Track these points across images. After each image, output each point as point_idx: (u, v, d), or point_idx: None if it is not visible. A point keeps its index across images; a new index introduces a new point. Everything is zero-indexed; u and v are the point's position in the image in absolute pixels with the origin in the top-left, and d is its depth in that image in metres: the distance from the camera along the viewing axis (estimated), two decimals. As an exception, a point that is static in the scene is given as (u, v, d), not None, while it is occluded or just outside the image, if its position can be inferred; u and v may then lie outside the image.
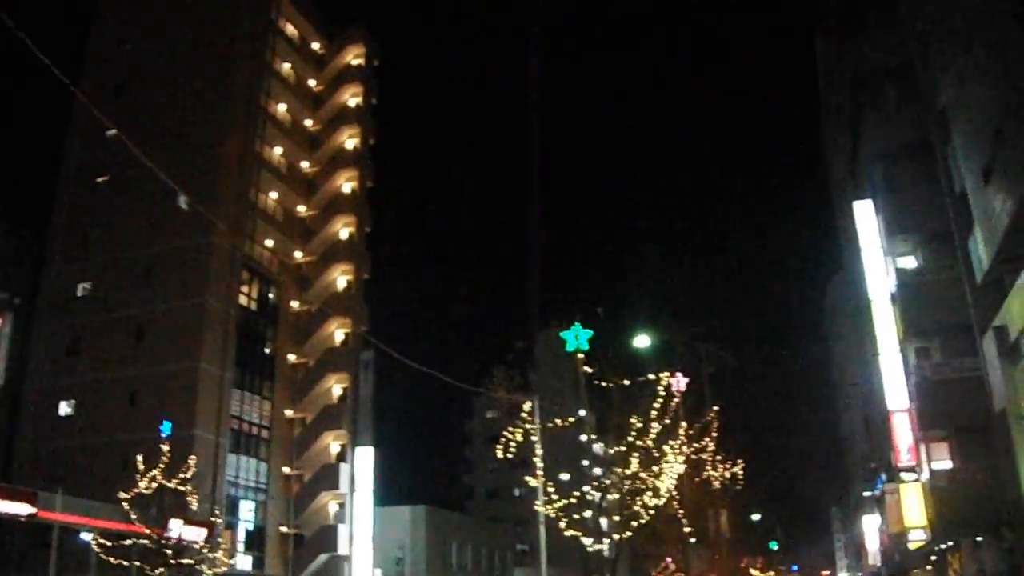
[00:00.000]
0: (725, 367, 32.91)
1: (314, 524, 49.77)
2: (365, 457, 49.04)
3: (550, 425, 23.87)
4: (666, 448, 22.80)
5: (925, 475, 28.34)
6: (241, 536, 46.73)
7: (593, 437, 22.90)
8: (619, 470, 22.67)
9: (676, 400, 28.40)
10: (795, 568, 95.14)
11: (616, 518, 23.78)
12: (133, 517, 31.27)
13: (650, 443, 21.84)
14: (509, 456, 22.29)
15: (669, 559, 50.72)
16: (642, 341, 32.20)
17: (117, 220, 49.58)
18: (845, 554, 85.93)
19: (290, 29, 58.48)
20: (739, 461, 32.40)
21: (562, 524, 22.86)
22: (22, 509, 30.44)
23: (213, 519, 37.69)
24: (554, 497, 22.97)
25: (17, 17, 12.21)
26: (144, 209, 47.44)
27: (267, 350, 51.07)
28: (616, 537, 22.89)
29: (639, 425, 21.92)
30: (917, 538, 28.62)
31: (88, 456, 43.11)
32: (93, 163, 50.89)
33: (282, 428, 50.58)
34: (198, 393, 44.25)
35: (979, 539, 27.09)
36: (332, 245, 56.12)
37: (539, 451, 22.37)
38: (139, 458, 33.66)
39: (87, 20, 57.76)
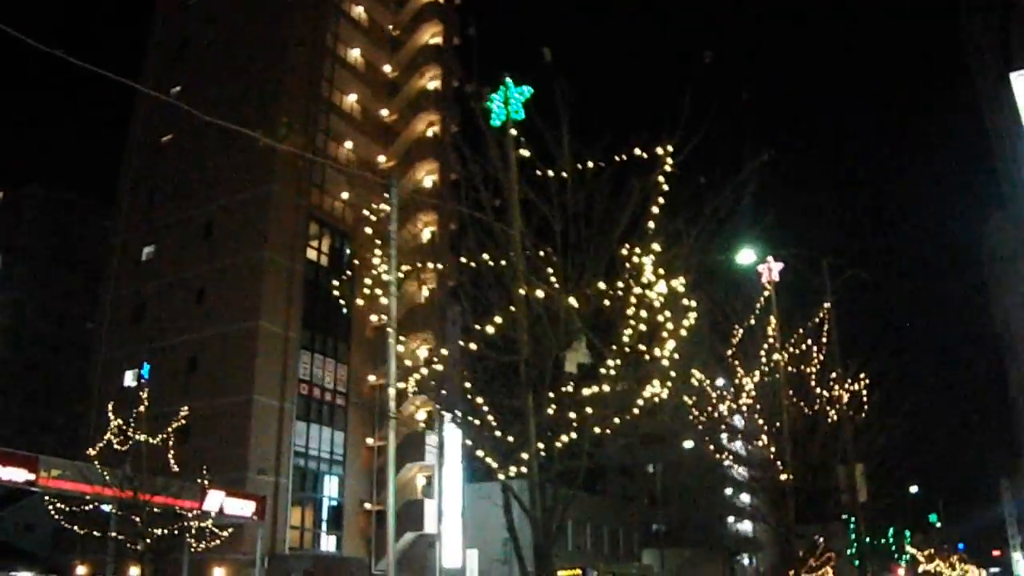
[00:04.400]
0: (859, 289, 25.54)
1: (398, 499, 44.88)
2: (454, 425, 43.77)
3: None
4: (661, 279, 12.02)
5: None
6: (309, 512, 42.32)
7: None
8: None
9: (766, 293, 21.90)
10: (961, 547, 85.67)
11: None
12: (107, 478, 26.56)
13: (643, 290, 12.19)
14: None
15: (819, 538, 43.86)
16: (746, 256, 25.53)
17: (180, 179, 46.69)
18: (1020, 531, 76.44)
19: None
20: (861, 377, 24.73)
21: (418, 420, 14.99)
22: (19, 475, 26.19)
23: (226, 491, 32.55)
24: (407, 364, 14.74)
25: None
26: (206, 165, 44.81)
27: (343, 310, 46.42)
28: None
29: (625, 252, 12.41)
30: None
31: (150, 427, 39.58)
32: (158, 125, 48.49)
33: (362, 394, 45.86)
34: (258, 355, 39.96)
35: None
36: (415, 192, 51.23)
37: (390, 276, 14.71)
38: (110, 406, 29.14)
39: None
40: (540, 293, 12.28)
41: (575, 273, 12.52)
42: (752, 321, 21.55)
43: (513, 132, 12.93)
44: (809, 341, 22.22)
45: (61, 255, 78.96)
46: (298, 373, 41.91)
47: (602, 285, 12.31)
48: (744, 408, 21.57)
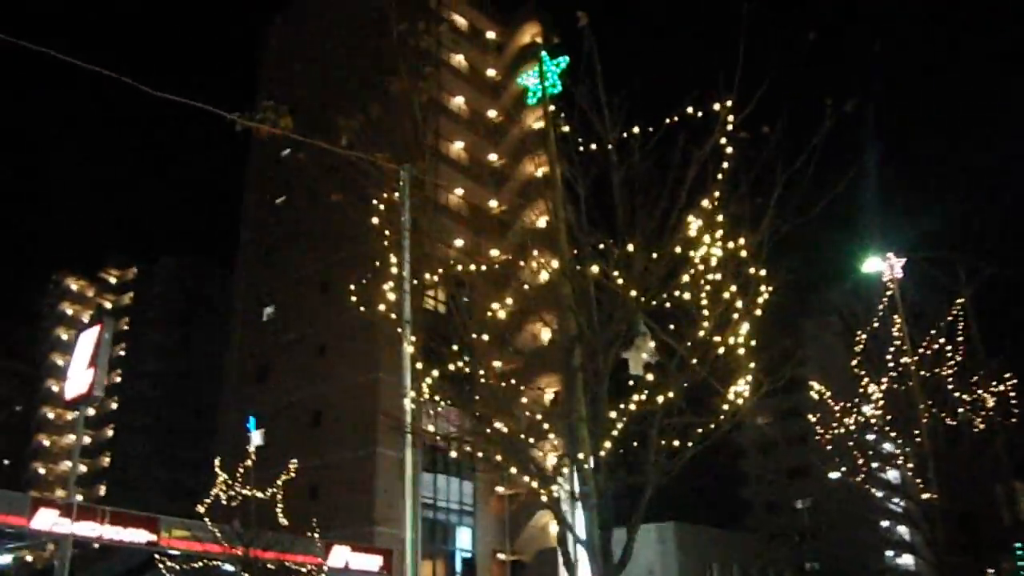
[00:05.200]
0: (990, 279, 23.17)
1: (532, 548, 43.70)
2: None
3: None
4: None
5: None
6: (441, 565, 41.50)
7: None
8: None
9: (889, 292, 20.21)
10: None
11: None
12: (219, 535, 26.15)
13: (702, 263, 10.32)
14: None
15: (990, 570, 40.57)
16: (873, 265, 23.65)
17: (294, 238, 47.27)
18: None
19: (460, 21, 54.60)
20: (1007, 376, 22.09)
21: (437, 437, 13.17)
22: (140, 536, 26.16)
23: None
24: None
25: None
26: (318, 222, 45.20)
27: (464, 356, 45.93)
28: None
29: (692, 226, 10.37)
30: None
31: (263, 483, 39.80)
32: (271, 186, 49.51)
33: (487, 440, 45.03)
34: (380, 407, 39.66)
35: None
36: (529, 235, 50.76)
37: (404, 270, 13.08)
38: (216, 462, 28.62)
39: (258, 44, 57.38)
40: (555, 263, 11.00)
41: (619, 251, 10.86)
42: (876, 324, 19.94)
43: (552, 107, 11.93)
44: (943, 341, 20.17)
45: (192, 320, 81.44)
46: (422, 424, 41.42)
47: (631, 246, 10.57)
48: (872, 420, 19.77)
